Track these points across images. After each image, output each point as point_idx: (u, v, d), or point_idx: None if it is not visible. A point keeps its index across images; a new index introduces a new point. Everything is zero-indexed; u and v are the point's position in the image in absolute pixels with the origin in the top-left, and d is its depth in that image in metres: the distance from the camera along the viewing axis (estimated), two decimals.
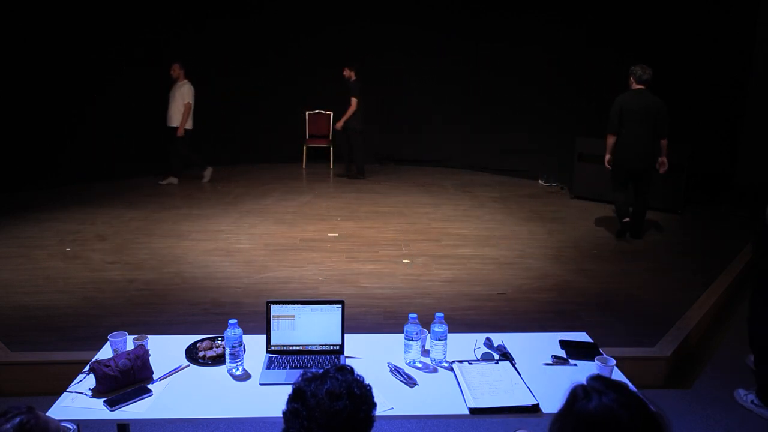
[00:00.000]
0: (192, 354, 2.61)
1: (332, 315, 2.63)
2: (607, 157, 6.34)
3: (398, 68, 9.35)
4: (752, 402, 3.70)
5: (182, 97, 8.08)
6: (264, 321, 2.62)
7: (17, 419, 1.46)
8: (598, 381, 1.56)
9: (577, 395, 1.49)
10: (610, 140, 6.32)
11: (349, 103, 8.46)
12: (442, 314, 2.57)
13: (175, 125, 8.14)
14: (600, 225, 6.82)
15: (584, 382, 1.57)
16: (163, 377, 2.44)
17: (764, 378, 3.64)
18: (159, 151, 8.76)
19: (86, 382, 2.38)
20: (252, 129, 9.52)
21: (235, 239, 6.10)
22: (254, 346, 2.65)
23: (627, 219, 6.20)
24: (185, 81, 8.15)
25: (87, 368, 2.42)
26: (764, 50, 8.13)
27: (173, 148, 8.26)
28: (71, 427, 1.59)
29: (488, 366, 2.54)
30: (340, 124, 8.57)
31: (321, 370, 1.66)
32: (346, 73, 8.49)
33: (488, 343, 2.76)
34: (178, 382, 2.43)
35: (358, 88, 8.43)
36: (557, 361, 2.63)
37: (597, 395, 1.47)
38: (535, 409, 2.27)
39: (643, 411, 1.47)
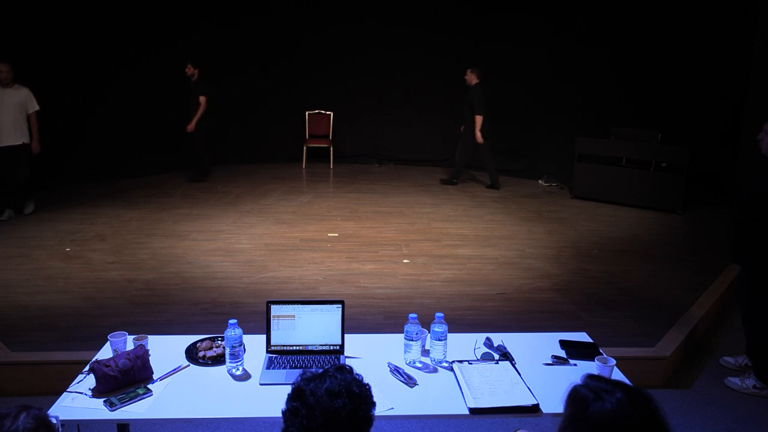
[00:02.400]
0: (192, 354, 2.61)
1: (332, 315, 2.63)
2: (479, 134, 8.01)
3: (398, 68, 9.35)
4: (754, 387, 3.72)
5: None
6: (264, 321, 2.63)
7: (23, 414, 1.48)
8: (598, 380, 1.56)
9: (586, 398, 1.48)
10: (480, 120, 7.99)
11: (198, 103, 8.08)
12: (442, 314, 2.57)
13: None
14: (600, 225, 6.82)
15: (582, 383, 1.56)
16: (163, 377, 2.44)
17: (763, 359, 3.69)
18: (160, 151, 8.77)
19: (86, 382, 2.38)
20: (252, 129, 9.52)
21: (235, 239, 6.10)
22: (254, 346, 2.65)
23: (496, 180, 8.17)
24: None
25: (87, 368, 2.43)
26: (764, 50, 8.12)
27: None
28: (55, 421, 1.63)
29: (488, 366, 2.54)
30: (192, 126, 8.11)
31: (320, 370, 1.66)
32: (189, 71, 8.12)
33: (488, 343, 2.77)
34: (178, 382, 2.43)
35: (205, 87, 8.12)
36: (557, 361, 2.63)
37: (608, 395, 1.47)
38: (535, 409, 2.27)
39: (651, 405, 1.47)
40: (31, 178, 6.73)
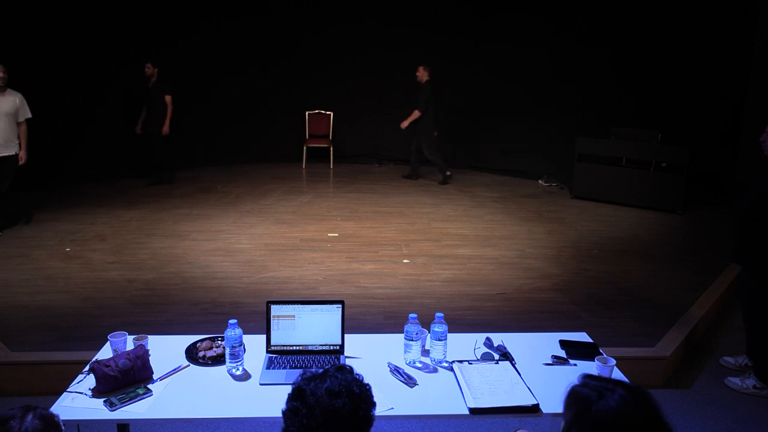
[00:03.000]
0: (192, 354, 2.61)
1: (332, 315, 2.63)
2: (406, 123, 8.41)
3: (398, 68, 9.35)
4: (754, 387, 3.72)
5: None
6: (264, 321, 2.63)
7: (29, 415, 1.47)
8: (597, 380, 1.56)
9: (589, 397, 1.48)
10: (417, 115, 8.33)
11: (164, 105, 7.91)
12: (442, 314, 2.57)
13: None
14: (600, 225, 6.82)
15: (581, 383, 1.56)
16: (163, 377, 2.44)
17: (764, 359, 3.69)
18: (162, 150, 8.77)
19: (86, 382, 2.38)
20: (252, 129, 9.52)
21: (235, 239, 6.10)
22: (254, 346, 2.65)
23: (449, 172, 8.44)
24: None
25: (87, 368, 2.43)
26: (764, 50, 8.12)
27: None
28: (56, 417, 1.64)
29: (488, 366, 2.54)
30: (166, 128, 7.94)
31: (321, 370, 1.66)
32: (149, 70, 7.88)
33: (488, 343, 2.77)
34: (178, 382, 2.43)
35: (170, 86, 7.95)
36: (557, 361, 2.63)
37: (610, 393, 1.47)
38: (535, 409, 2.27)
39: (650, 401, 1.48)
40: (11, 187, 6.28)
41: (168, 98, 7.95)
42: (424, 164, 8.81)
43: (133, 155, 8.53)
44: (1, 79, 5.95)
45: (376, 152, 9.80)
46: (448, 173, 8.63)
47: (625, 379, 2.36)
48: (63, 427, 1.58)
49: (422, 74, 8.34)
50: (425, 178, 8.83)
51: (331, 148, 9.50)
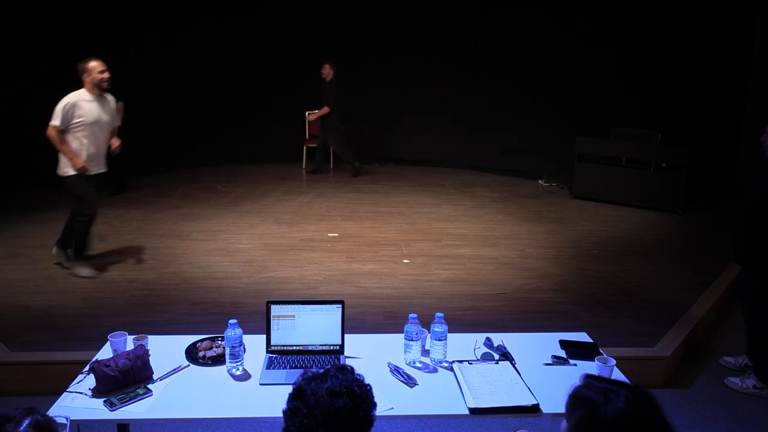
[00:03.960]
0: (192, 354, 2.61)
1: (332, 315, 2.63)
2: (314, 116, 8.59)
3: (398, 68, 9.35)
4: (754, 387, 3.72)
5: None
6: (264, 321, 2.63)
7: (27, 420, 1.46)
8: (599, 380, 1.56)
9: (594, 400, 1.47)
10: (326, 111, 8.55)
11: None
12: (442, 314, 2.57)
13: None
14: (600, 225, 6.82)
15: (583, 384, 1.56)
16: (163, 377, 2.44)
17: (764, 359, 3.69)
18: (160, 151, 8.77)
19: (86, 382, 2.38)
20: (252, 129, 9.52)
21: (235, 239, 6.10)
22: (254, 346, 2.65)
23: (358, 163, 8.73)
24: None
25: (87, 368, 2.43)
26: (764, 50, 8.12)
27: None
28: (65, 421, 1.61)
29: (488, 366, 2.54)
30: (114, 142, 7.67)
31: (321, 370, 1.66)
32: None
33: (488, 343, 2.77)
34: (178, 382, 2.43)
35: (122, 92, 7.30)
36: (557, 361, 2.63)
37: (614, 395, 1.46)
38: (535, 409, 2.27)
39: (653, 401, 1.48)
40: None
41: (120, 105, 6.59)
42: (337, 162, 9.04)
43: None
44: (107, 80, 4.92)
45: (376, 152, 9.80)
46: (357, 164, 8.86)
47: (625, 379, 2.36)
48: (67, 429, 1.56)
49: (327, 72, 8.54)
50: (425, 178, 8.84)
51: (331, 148, 9.49)
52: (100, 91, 4.92)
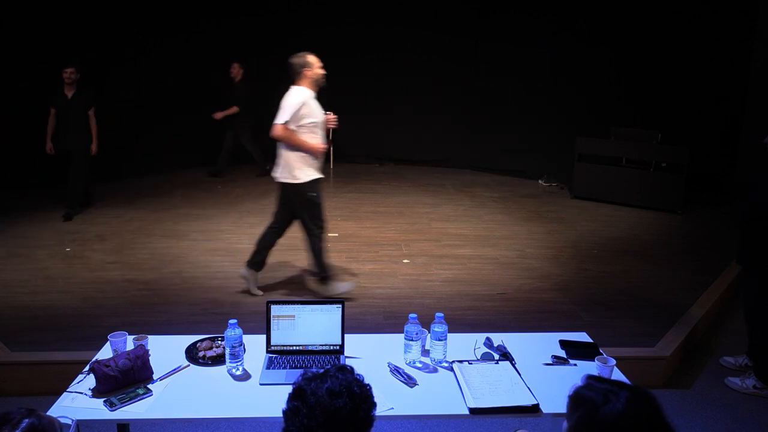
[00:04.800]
0: (192, 354, 2.61)
1: (332, 315, 2.63)
2: (221, 114, 8.37)
3: (398, 68, 9.35)
4: (754, 387, 3.72)
5: None
6: (264, 321, 2.63)
7: (24, 422, 1.45)
8: (600, 381, 1.56)
9: (593, 400, 1.48)
10: (235, 110, 8.38)
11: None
12: (442, 314, 2.57)
13: None
14: (600, 225, 6.82)
15: (584, 384, 1.56)
16: (163, 377, 2.44)
17: (764, 359, 3.69)
18: (160, 151, 8.77)
19: (86, 382, 2.38)
20: (252, 129, 9.50)
21: (235, 239, 6.10)
22: (254, 346, 2.65)
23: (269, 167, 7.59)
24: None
25: (87, 368, 2.43)
26: (764, 50, 8.12)
27: None
28: (70, 422, 1.59)
29: (488, 366, 2.54)
30: (94, 148, 6.85)
31: (321, 370, 1.66)
32: (69, 75, 6.59)
33: (488, 343, 2.77)
34: (178, 382, 2.43)
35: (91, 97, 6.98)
36: (557, 361, 2.63)
37: (615, 396, 1.46)
38: (535, 409, 2.27)
39: (654, 402, 1.48)
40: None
41: (91, 112, 6.75)
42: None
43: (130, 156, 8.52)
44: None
45: (376, 152, 9.80)
46: (268, 167, 8.37)
47: (625, 380, 2.36)
48: (72, 429, 1.55)
49: (237, 72, 8.43)
50: (425, 178, 8.83)
51: (331, 148, 9.48)
52: (318, 88, 4.51)
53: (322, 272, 4.64)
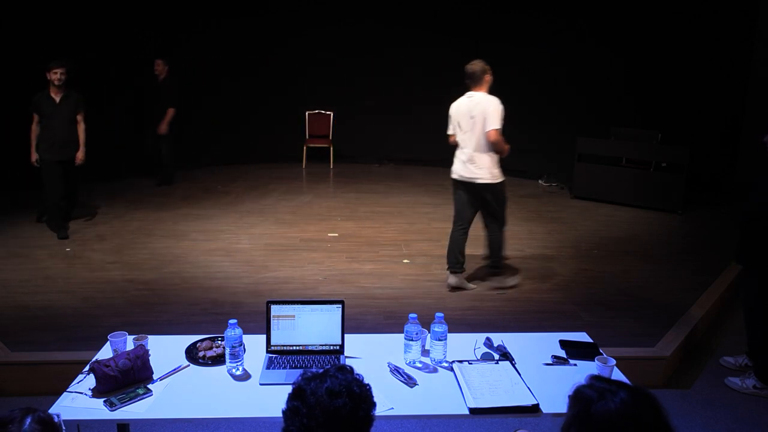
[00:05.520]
0: (192, 354, 2.61)
1: (332, 315, 2.63)
2: (165, 125, 7.72)
3: (398, 68, 9.35)
4: (754, 387, 3.72)
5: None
6: (264, 321, 2.62)
7: (28, 418, 1.46)
8: (602, 381, 1.56)
9: (590, 398, 1.48)
10: (172, 113, 7.74)
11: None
12: (442, 314, 2.57)
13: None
14: (600, 225, 6.82)
15: (586, 383, 1.56)
16: (163, 377, 2.44)
17: (764, 359, 3.70)
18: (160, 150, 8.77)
19: (86, 382, 2.38)
20: (252, 129, 9.52)
21: (235, 239, 6.10)
22: (254, 346, 2.65)
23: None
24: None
25: (87, 368, 2.42)
26: (764, 50, 8.12)
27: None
28: (56, 419, 1.61)
29: (488, 366, 2.54)
30: (80, 155, 6.31)
31: (321, 370, 1.66)
32: (56, 75, 5.94)
33: (488, 343, 2.76)
34: (178, 382, 2.43)
35: (82, 103, 6.56)
36: (557, 361, 2.63)
37: (611, 395, 1.47)
38: (535, 409, 2.27)
39: (656, 405, 1.47)
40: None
41: (80, 116, 6.15)
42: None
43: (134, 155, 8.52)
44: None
45: (376, 152, 9.80)
46: (170, 175, 8.15)
47: (626, 380, 2.36)
48: (63, 428, 1.57)
49: (161, 70, 7.81)
50: (425, 178, 8.83)
51: (331, 148, 9.49)
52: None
53: (499, 265, 5.02)
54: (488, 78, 4.92)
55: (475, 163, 4.68)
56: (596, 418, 1.44)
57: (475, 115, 4.70)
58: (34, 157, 5.99)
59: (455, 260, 4.92)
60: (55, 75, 5.86)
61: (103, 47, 8.22)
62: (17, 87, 7.72)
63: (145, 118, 8.10)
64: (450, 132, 5.01)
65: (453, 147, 5.00)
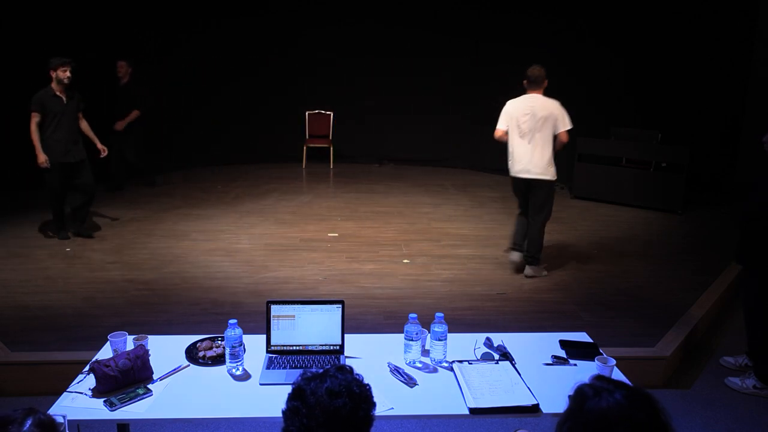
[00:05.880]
0: (192, 354, 2.61)
1: (332, 315, 2.63)
2: (122, 124, 7.52)
3: (398, 68, 9.35)
4: (754, 387, 3.72)
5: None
6: (264, 321, 2.63)
7: (29, 420, 1.46)
8: (603, 380, 1.56)
9: (585, 395, 1.49)
10: (136, 114, 7.59)
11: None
12: (442, 314, 2.57)
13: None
14: (600, 225, 6.82)
15: (588, 382, 1.57)
16: (163, 377, 2.44)
17: (764, 359, 3.70)
18: (160, 151, 8.76)
19: (86, 382, 2.38)
20: (252, 129, 9.52)
21: (235, 239, 6.10)
22: (254, 346, 2.65)
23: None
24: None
25: (87, 368, 2.43)
26: (764, 50, 8.12)
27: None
28: (62, 420, 1.60)
29: (488, 366, 2.54)
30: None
31: (321, 370, 1.66)
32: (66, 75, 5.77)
33: (488, 343, 2.77)
34: (178, 382, 2.43)
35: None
36: (557, 361, 2.63)
37: (607, 394, 1.47)
38: (535, 409, 2.27)
39: (653, 407, 1.47)
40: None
41: (81, 114, 6.08)
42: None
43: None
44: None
45: (376, 152, 9.80)
46: (122, 182, 7.91)
47: (626, 380, 2.36)
48: (66, 429, 1.56)
49: (124, 72, 7.65)
50: (425, 178, 8.83)
51: (331, 148, 9.49)
52: None
53: (537, 255, 5.23)
54: (546, 82, 5.27)
55: (539, 161, 5.04)
56: (589, 415, 1.45)
57: (544, 116, 5.07)
58: (43, 158, 5.67)
59: (531, 251, 5.20)
60: (66, 73, 5.72)
61: (103, 47, 8.21)
62: (17, 87, 7.73)
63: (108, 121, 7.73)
64: (502, 127, 5.33)
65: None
